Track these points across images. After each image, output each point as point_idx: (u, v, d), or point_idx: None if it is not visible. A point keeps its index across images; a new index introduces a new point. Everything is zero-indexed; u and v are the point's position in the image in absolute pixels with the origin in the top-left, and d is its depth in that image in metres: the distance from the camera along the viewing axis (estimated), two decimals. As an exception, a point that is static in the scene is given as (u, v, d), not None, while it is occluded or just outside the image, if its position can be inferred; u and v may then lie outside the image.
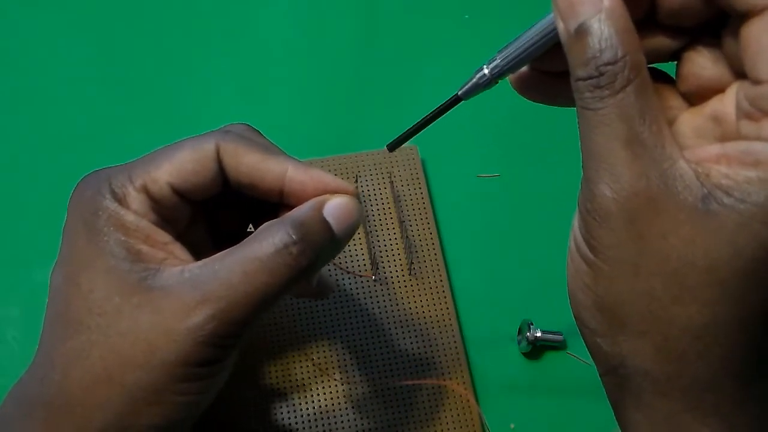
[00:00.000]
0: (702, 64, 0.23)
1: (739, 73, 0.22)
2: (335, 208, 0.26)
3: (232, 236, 0.28)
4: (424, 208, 0.42)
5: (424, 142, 0.44)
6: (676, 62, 0.24)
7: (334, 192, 0.27)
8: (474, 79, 0.25)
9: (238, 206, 0.30)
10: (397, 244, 0.41)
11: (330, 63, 0.49)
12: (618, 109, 0.21)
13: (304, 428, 0.36)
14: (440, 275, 0.40)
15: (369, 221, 0.41)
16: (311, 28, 0.51)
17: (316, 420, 0.36)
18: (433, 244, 0.41)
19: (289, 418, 0.36)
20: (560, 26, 0.22)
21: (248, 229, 0.31)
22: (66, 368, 0.24)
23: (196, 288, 0.24)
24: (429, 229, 0.42)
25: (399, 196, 0.42)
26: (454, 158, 0.45)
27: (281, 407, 0.37)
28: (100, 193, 0.26)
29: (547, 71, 0.25)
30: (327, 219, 0.26)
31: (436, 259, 0.41)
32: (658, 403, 0.22)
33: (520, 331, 0.40)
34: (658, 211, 0.20)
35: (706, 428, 0.22)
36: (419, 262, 0.41)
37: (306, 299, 0.39)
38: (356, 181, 0.42)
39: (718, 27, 0.22)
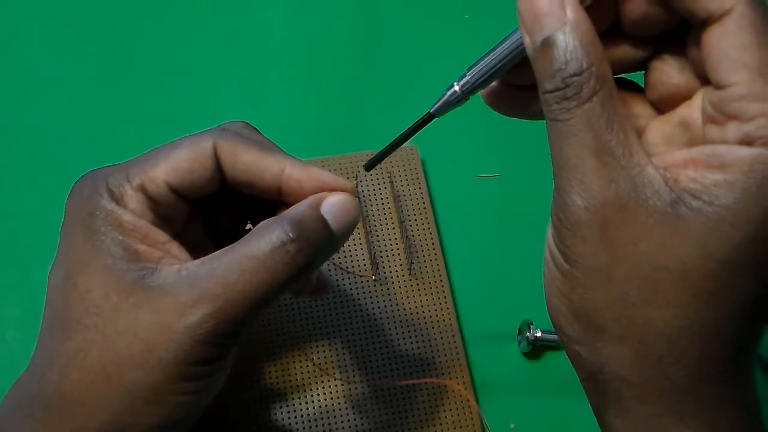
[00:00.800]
0: (668, 72, 0.23)
1: (705, 79, 0.22)
2: (333, 205, 0.26)
3: (231, 234, 0.28)
4: (424, 208, 0.42)
5: (424, 142, 0.44)
6: (644, 72, 0.24)
7: (332, 189, 0.27)
8: (445, 96, 0.26)
9: (236, 204, 0.30)
10: (397, 244, 0.41)
11: (330, 63, 0.49)
12: (585, 119, 0.21)
13: (303, 428, 0.36)
14: (440, 275, 0.40)
15: (369, 221, 0.41)
16: (311, 28, 0.51)
17: (315, 420, 0.36)
18: (433, 244, 0.41)
19: (289, 419, 0.36)
20: (526, 40, 0.22)
21: (247, 227, 0.31)
22: (64, 368, 0.24)
23: (194, 286, 0.24)
24: (429, 229, 0.42)
25: (399, 196, 0.42)
26: (454, 158, 0.45)
27: (281, 407, 0.37)
28: (98, 192, 0.26)
29: (517, 85, 0.25)
30: (324, 217, 0.26)
31: (436, 259, 0.41)
32: (638, 407, 0.22)
33: (520, 331, 0.40)
34: (628, 218, 0.21)
35: (687, 430, 0.22)
36: (419, 262, 0.41)
37: (305, 297, 0.39)
38: (356, 181, 0.42)
39: (682, 35, 0.23)
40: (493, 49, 0.24)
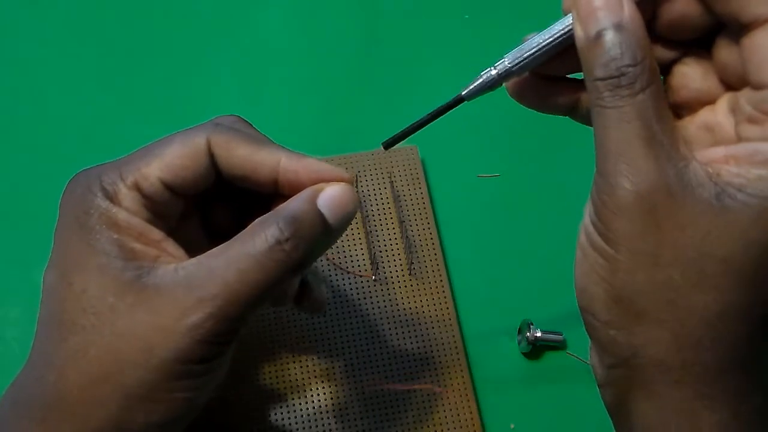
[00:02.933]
0: (692, 77, 0.25)
1: (729, 84, 0.24)
2: (330, 198, 0.26)
3: (228, 231, 0.28)
4: (424, 208, 0.42)
5: (424, 142, 0.44)
6: (664, 76, 0.25)
7: (329, 180, 0.27)
8: (481, 80, 0.25)
9: (231, 199, 0.30)
10: (397, 244, 0.41)
11: (330, 63, 0.49)
12: (637, 108, 0.22)
13: (303, 428, 0.36)
14: (440, 275, 0.40)
15: (369, 221, 0.41)
16: (311, 28, 0.51)
17: (315, 420, 0.36)
18: (433, 244, 0.41)
19: (288, 419, 0.36)
20: (578, 30, 0.23)
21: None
22: (62, 369, 0.24)
23: (193, 287, 0.24)
24: (429, 229, 0.42)
25: (399, 196, 0.42)
26: (454, 158, 0.45)
27: (280, 408, 0.37)
28: (91, 191, 0.26)
29: (546, 75, 0.26)
30: (321, 210, 0.26)
31: (436, 259, 0.41)
32: (671, 391, 0.23)
33: (520, 331, 0.40)
34: (676, 204, 0.21)
35: (715, 415, 0.22)
36: (419, 262, 0.41)
37: (286, 306, 0.38)
38: (356, 181, 0.42)
39: (706, 42, 0.24)
40: (533, 37, 0.25)
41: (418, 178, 0.43)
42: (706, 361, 0.22)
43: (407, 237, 0.41)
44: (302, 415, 0.36)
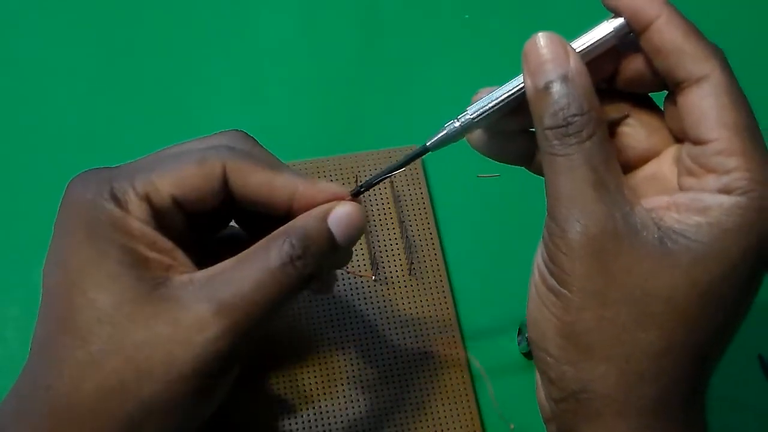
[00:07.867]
0: (637, 138, 0.26)
1: (677, 137, 0.25)
2: (339, 216, 0.27)
3: (211, 226, 0.29)
4: (424, 208, 0.42)
5: (424, 142, 0.44)
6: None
7: (341, 200, 0.28)
8: (444, 131, 0.27)
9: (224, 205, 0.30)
10: (397, 244, 0.41)
11: (330, 63, 0.49)
12: (584, 155, 0.23)
13: (302, 428, 0.36)
14: (440, 275, 0.40)
15: (369, 221, 0.41)
16: (311, 28, 0.51)
17: (315, 420, 0.36)
18: (433, 244, 0.41)
19: (288, 418, 0.36)
20: (528, 82, 0.24)
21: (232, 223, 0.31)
22: (76, 379, 0.24)
23: (212, 300, 0.24)
24: (429, 229, 0.42)
25: (399, 196, 0.42)
26: (454, 158, 0.45)
27: (279, 408, 0.37)
28: (101, 196, 0.25)
29: (501, 131, 0.28)
30: (330, 227, 0.27)
31: (436, 259, 0.41)
32: (616, 424, 0.24)
33: (520, 331, 0.40)
34: (622, 247, 0.23)
35: None
36: (419, 262, 0.41)
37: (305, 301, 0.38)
38: (356, 182, 0.42)
39: (648, 103, 0.26)
40: (493, 90, 0.26)
41: (418, 178, 0.43)
42: (650, 395, 0.23)
43: (407, 237, 0.41)
44: (301, 415, 0.36)
